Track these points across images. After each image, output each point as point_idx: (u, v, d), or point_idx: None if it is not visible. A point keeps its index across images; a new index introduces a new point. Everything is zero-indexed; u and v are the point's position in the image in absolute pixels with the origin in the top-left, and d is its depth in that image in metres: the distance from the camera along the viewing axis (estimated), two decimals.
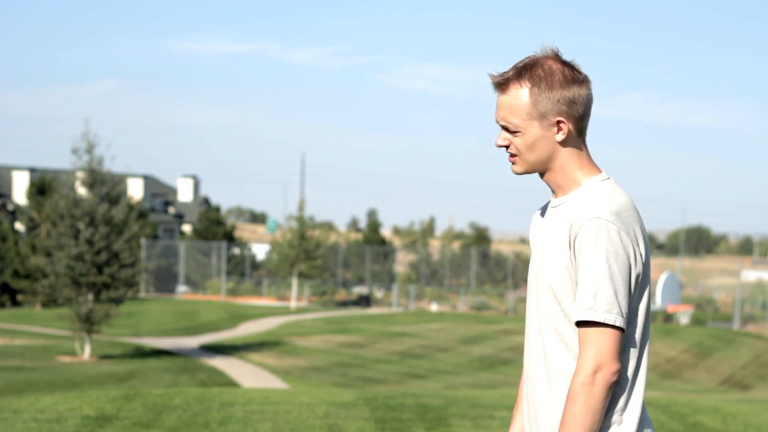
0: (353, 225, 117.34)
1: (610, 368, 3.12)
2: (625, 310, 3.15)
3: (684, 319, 54.86)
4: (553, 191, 3.38)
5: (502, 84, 3.30)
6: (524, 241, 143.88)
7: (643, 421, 3.27)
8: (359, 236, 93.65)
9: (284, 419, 11.84)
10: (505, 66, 3.36)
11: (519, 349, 39.52)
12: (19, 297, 56.10)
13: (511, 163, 3.35)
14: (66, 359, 29.87)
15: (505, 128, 3.32)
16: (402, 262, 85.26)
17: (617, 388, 3.20)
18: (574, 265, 3.21)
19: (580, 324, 3.16)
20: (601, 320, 3.12)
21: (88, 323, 30.45)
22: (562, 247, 3.24)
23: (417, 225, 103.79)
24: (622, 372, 3.20)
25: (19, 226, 61.38)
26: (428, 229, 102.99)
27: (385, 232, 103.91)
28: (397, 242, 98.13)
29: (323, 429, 11.30)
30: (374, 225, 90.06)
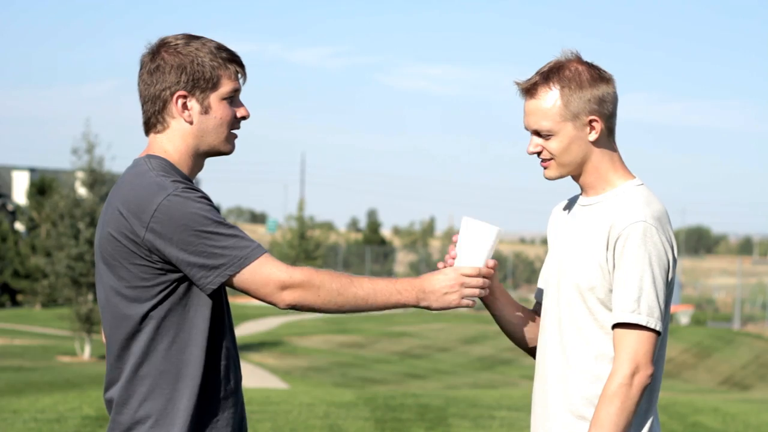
0: (353, 225, 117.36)
1: (647, 371, 3.15)
2: (663, 314, 3.19)
3: (684, 319, 54.87)
4: (583, 190, 3.38)
5: (530, 89, 3.30)
6: (524, 241, 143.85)
7: (655, 421, 3.30)
8: (359, 236, 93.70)
9: (284, 419, 11.85)
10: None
11: (519, 350, 39.43)
12: (19, 297, 56.10)
13: (543, 169, 3.34)
14: (66, 359, 29.87)
15: (536, 133, 3.31)
16: (402, 262, 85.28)
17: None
18: (608, 265, 3.22)
19: (618, 325, 3.18)
20: (644, 323, 3.14)
21: (88, 323, 30.43)
22: (598, 247, 3.24)
23: (417, 225, 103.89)
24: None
25: (19, 226, 61.38)
26: (428, 229, 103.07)
27: (385, 232, 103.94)
28: (397, 242, 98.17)
29: (323, 429, 11.30)
30: (374, 225, 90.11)
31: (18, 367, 26.52)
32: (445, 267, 3.32)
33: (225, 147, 3.23)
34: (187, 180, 3.17)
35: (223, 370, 3.14)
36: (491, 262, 3.31)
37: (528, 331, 3.50)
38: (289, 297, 3.04)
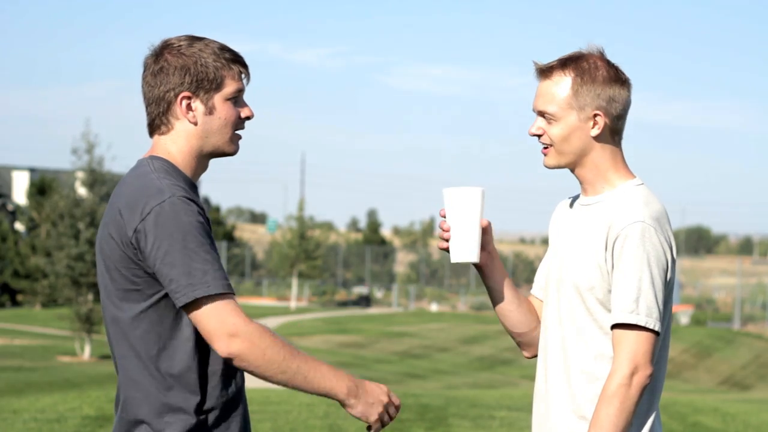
0: (353, 225, 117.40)
1: (646, 371, 3.14)
2: (661, 315, 3.18)
3: (684, 319, 54.90)
4: (583, 189, 3.38)
5: (546, 70, 3.31)
6: (524, 241, 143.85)
7: (657, 421, 3.30)
8: (359, 236, 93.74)
9: (284, 419, 11.85)
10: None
11: (519, 349, 39.44)
12: (19, 297, 56.13)
13: (543, 156, 3.35)
14: (66, 359, 29.87)
15: (542, 115, 3.32)
16: (402, 262, 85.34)
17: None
18: (607, 266, 3.22)
19: (617, 326, 3.18)
20: (643, 324, 3.14)
21: (88, 323, 30.44)
22: (597, 247, 3.24)
23: (417, 225, 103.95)
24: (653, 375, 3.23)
25: (19, 226, 61.41)
26: (428, 229, 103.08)
27: (385, 232, 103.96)
28: (397, 242, 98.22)
29: (323, 429, 11.30)
30: (374, 225, 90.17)
31: (18, 367, 26.52)
32: (442, 245, 3.35)
33: (229, 148, 3.21)
34: (190, 183, 3.15)
35: (222, 374, 3.11)
36: (485, 221, 3.33)
37: (519, 313, 3.49)
38: (234, 346, 2.94)
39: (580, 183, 3.38)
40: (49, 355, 30.66)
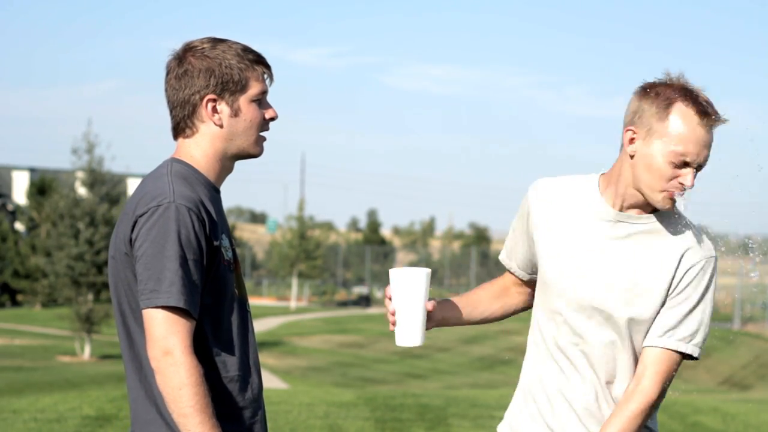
0: (353, 225, 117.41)
1: (665, 391, 3.21)
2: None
3: None
4: (623, 205, 3.24)
5: (718, 121, 3.36)
6: None
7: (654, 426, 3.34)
8: (359, 236, 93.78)
9: (284, 419, 11.85)
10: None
11: (519, 349, 39.50)
12: (19, 297, 56.14)
13: (670, 200, 3.22)
14: (66, 359, 29.88)
15: (698, 167, 3.35)
16: (402, 262, 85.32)
17: None
18: (669, 294, 3.20)
19: (660, 347, 3.18)
20: (696, 355, 3.23)
21: (88, 323, 30.47)
22: (664, 278, 3.19)
23: (417, 225, 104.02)
24: None
25: (19, 226, 61.41)
26: (428, 229, 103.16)
27: (385, 232, 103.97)
28: (397, 242, 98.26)
29: (323, 429, 11.30)
30: (374, 225, 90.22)
31: (18, 367, 26.53)
32: (391, 328, 3.29)
33: (254, 149, 3.19)
34: (211, 187, 3.13)
35: (239, 381, 3.09)
36: (430, 305, 3.27)
37: (491, 313, 3.55)
38: (163, 363, 2.92)
39: (638, 206, 3.22)
40: (49, 355, 30.67)
